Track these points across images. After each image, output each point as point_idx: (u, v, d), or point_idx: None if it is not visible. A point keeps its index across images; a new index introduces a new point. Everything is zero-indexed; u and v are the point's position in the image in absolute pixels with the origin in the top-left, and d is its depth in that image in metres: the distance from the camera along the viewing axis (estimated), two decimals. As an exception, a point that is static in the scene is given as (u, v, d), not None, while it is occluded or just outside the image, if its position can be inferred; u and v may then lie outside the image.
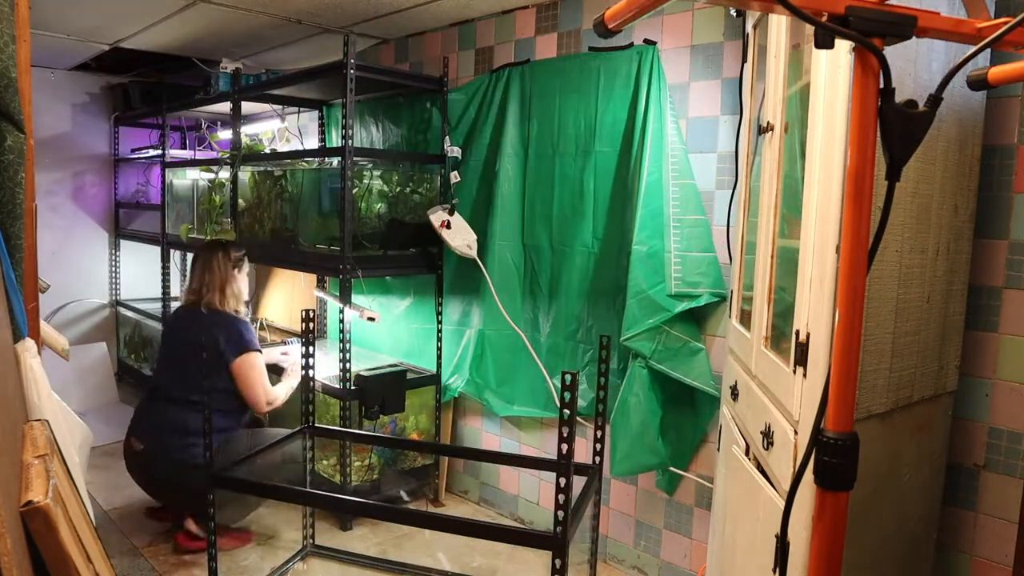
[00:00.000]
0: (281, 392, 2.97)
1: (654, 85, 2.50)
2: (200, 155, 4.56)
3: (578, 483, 2.05)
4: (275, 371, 3.18)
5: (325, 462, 3.23)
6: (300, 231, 3.26)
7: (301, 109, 4.11)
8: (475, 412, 3.29)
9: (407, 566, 2.70)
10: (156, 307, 4.67)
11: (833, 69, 1.27)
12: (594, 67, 2.68)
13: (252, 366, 2.84)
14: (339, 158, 2.90)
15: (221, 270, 2.91)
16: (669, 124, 2.47)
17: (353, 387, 2.99)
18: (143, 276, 5.11)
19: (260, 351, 2.91)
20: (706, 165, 2.43)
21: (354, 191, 2.90)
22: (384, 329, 3.63)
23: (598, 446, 2.32)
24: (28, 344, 1.51)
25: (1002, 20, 0.89)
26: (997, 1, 1.62)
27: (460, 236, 3.02)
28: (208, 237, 3.68)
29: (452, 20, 3.23)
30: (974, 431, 1.78)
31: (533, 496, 3.09)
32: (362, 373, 3.02)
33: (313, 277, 3.96)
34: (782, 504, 1.20)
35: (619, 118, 2.61)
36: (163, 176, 4.41)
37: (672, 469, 2.53)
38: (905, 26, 0.85)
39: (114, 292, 5.06)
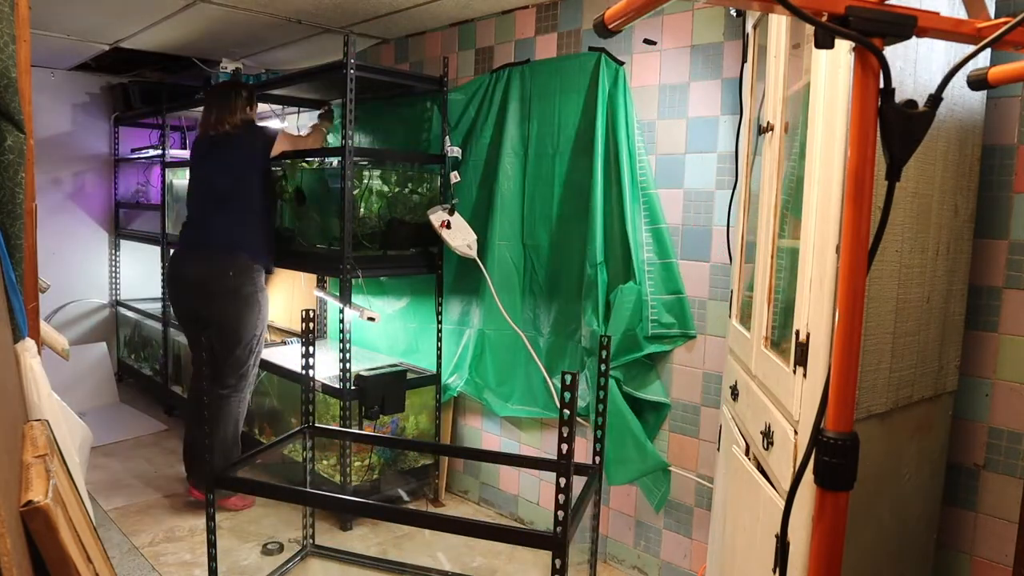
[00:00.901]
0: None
1: (619, 101, 2.60)
2: (200, 155, 4.55)
3: (578, 483, 2.05)
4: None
5: (325, 462, 3.23)
6: (300, 231, 3.26)
7: (301, 109, 4.11)
8: (475, 412, 3.29)
9: (407, 566, 2.70)
10: (156, 307, 4.67)
11: (833, 69, 1.27)
12: (592, 67, 2.68)
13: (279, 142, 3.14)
14: (339, 158, 2.90)
15: (239, 108, 3.12)
16: (639, 155, 2.58)
17: (353, 387, 2.99)
18: (143, 276, 5.11)
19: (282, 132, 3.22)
20: (706, 165, 2.43)
21: (354, 191, 2.90)
22: (384, 329, 3.63)
23: (598, 446, 2.32)
24: (28, 344, 1.51)
25: (1002, 20, 0.89)
26: (997, 1, 1.62)
27: (460, 236, 3.02)
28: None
29: (452, 20, 3.23)
30: (974, 431, 1.78)
31: (533, 496, 3.09)
32: (362, 373, 3.02)
33: (313, 277, 3.96)
34: (782, 504, 1.20)
35: (594, 124, 2.67)
36: (163, 176, 4.41)
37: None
38: (905, 26, 0.85)
39: (114, 292, 5.06)
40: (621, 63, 2.61)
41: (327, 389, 3.05)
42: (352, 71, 2.80)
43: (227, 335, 3.00)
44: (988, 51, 1.44)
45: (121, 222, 5.03)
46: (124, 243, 5.04)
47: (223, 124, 3.08)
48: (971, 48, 0.89)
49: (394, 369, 3.17)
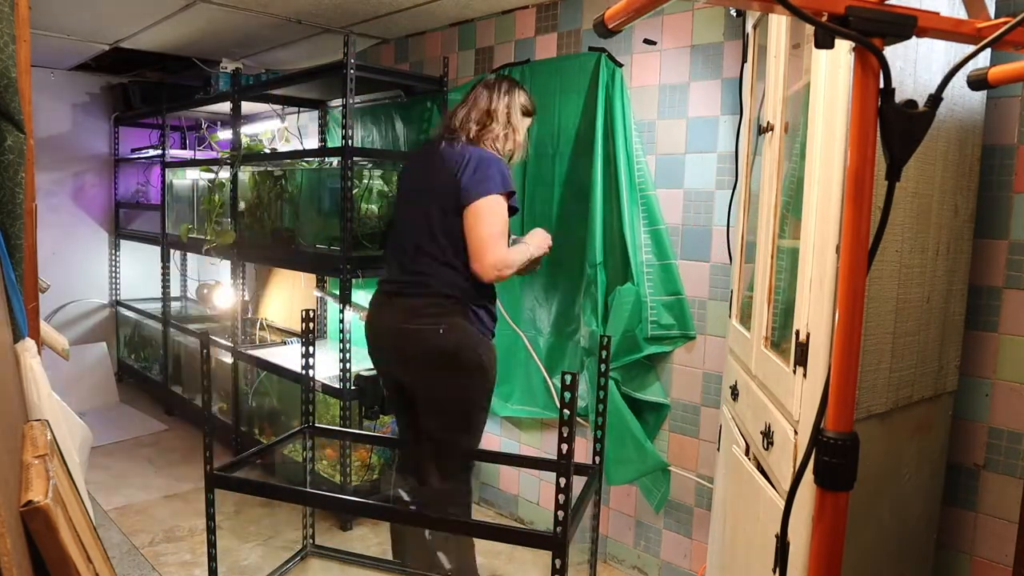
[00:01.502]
0: (516, 256, 2.17)
1: (616, 103, 2.60)
2: (200, 155, 4.57)
3: (578, 483, 2.05)
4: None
5: (325, 462, 3.23)
6: (300, 231, 3.26)
7: (301, 109, 4.11)
8: (475, 412, 3.29)
9: (407, 566, 2.70)
10: (156, 307, 4.67)
11: (833, 69, 1.27)
12: (592, 67, 2.68)
13: (491, 211, 2.09)
14: (339, 158, 2.90)
15: (497, 104, 2.28)
16: (636, 156, 2.58)
17: (353, 387, 2.99)
18: (143, 276, 5.11)
19: (511, 194, 2.16)
20: (706, 165, 2.43)
21: (354, 191, 2.90)
22: (384, 329, 3.62)
23: (598, 446, 2.32)
24: (28, 344, 1.51)
25: (1002, 20, 0.89)
26: (997, 1, 1.62)
27: (460, 236, 3.01)
28: (210, 237, 3.67)
29: (452, 20, 3.23)
30: (974, 431, 1.78)
31: (533, 496, 3.08)
32: (362, 373, 3.02)
33: (313, 277, 3.96)
34: (782, 504, 1.20)
35: (594, 124, 2.67)
36: (163, 176, 4.41)
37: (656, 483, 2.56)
38: (905, 26, 0.85)
39: (114, 292, 5.06)
40: (620, 65, 2.61)
41: (327, 389, 3.05)
42: (352, 71, 2.80)
43: (441, 413, 2.28)
44: (988, 51, 1.44)
45: (121, 222, 5.03)
46: (124, 243, 5.04)
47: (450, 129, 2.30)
48: (971, 48, 0.89)
49: (394, 369, 3.16)
